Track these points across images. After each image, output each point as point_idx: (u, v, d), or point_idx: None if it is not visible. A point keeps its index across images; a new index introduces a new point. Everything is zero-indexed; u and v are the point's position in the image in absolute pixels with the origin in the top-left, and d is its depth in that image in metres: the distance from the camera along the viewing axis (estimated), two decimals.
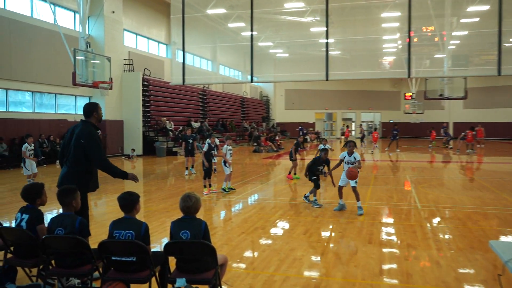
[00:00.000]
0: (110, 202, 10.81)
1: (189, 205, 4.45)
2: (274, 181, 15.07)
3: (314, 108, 50.26)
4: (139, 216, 8.73)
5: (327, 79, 17.50)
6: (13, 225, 5.36)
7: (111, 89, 17.39)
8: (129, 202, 4.54)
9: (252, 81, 18.54)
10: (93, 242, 5.38)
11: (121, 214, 4.58)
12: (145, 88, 26.49)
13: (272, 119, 50.04)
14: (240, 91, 43.25)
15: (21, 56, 19.26)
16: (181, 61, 19.74)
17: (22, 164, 12.43)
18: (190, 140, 16.42)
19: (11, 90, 19.50)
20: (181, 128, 27.69)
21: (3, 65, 18.59)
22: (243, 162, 21.50)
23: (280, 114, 50.59)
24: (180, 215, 4.55)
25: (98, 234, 7.14)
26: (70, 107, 23.43)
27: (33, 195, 4.92)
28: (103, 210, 10.12)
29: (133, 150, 24.19)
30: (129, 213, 4.54)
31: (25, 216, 4.82)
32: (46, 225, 4.76)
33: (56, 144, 20.28)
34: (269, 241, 7.27)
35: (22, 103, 20.88)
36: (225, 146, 11.58)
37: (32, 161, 12.29)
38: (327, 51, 16.62)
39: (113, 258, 4.33)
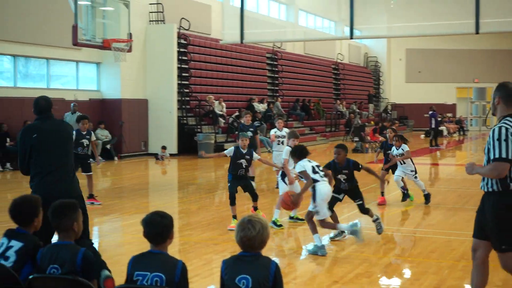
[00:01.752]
0: (128, 227, 11.18)
1: (252, 235, 4.47)
2: (387, 199, 14.88)
3: (454, 80, 49.00)
4: (172, 251, 8.99)
5: (477, 32, 16.96)
6: None
7: (130, 51, 17.94)
8: (160, 228, 4.62)
9: (352, 36, 18.42)
10: None
11: (145, 247, 4.70)
12: (182, 50, 27.11)
13: (385, 98, 49.36)
14: (333, 53, 43.05)
15: None
16: (238, 5, 19.90)
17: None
18: (250, 133, 16.45)
19: None
20: (237, 113, 28.04)
21: None
22: None
23: (398, 90, 49.83)
24: (236, 249, 4.61)
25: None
26: (69, 78, 24.48)
27: (29, 214, 5.19)
28: (117, 239, 10.48)
29: (164, 148, 24.81)
30: (158, 245, 4.65)
31: (15, 244, 5.06)
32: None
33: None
34: None
35: None
36: (287, 147, 11.25)
37: None
38: None
39: None
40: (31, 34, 21.61)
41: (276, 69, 34.81)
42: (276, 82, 34.65)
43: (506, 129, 5.58)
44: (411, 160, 13.46)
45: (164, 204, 13.81)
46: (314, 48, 40.29)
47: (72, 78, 24.47)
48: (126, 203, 13.81)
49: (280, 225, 10.80)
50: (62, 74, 24.35)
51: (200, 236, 10.23)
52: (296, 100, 35.30)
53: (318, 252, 8.92)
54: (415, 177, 13.31)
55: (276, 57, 34.89)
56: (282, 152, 11.50)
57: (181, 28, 27.10)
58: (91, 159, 13.71)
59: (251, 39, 20.09)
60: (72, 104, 20.83)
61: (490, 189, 5.71)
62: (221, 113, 27.74)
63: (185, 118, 26.59)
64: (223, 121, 27.73)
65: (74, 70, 24.40)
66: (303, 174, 9.15)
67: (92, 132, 13.43)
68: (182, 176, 19.75)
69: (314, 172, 9.10)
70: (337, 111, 39.24)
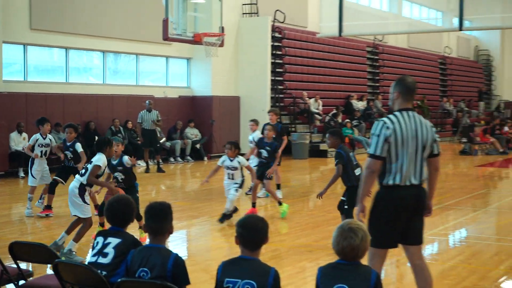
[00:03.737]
0: (217, 231, 11.34)
1: (355, 244, 4.44)
2: (498, 206, 14.53)
3: None
4: (264, 257, 9.07)
5: None
6: (88, 255, 5.88)
7: (221, 45, 18.16)
8: (258, 232, 4.67)
9: (461, 28, 18.01)
10: None
11: (235, 252, 4.76)
12: (276, 44, 27.27)
13: (497, 95, 48.02)
14: (440, 47, 42.26)
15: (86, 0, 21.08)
16: None
17: (30, 170, 12.63)
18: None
19: (73, 50, 21.54)
20: (334, 111, 27.97)
21: (61, 14, 20.50)
22: (441, 172, 20.94)
23: None
24: (332, 257, 4.61)
25: (199, 282, 7.53)
26: (159, 75, 25.07)
27: (126, 215, 5.40)
28: (206, 244, 10.66)
29: None
30: (252, 251, 4.68)
31: (113, 240, 5.22)
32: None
33: (135, 135, 21.66)
34: None
35: (88, 70, 22.89)
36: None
37: (42, 163, 12.63)
38: None
39: None
40: (121, 29, 22.27)
41: (377, 64, 34.49)
42: (377, 78, 34.33)
43: (384, 123, 5.88)
44: None
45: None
46: (419, 41, 39.63)
47: (162, 75, 25.04)
48: (216, 205, 13.97)
49: None
50: (152, 70, 24.95)
51: (294, 242, 10.28)
52: None
53: None
54: None
55: (377, 51, 34.57)
56: None
57: (276, 21, 27.23)
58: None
59: (350, 31, 20.00)
60: (147, 102, 20.69)
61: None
62: (317, 111, 27.73)
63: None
64: (320, 119, 27.69)
65: (164, 66, 24.97)
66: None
67: (78, 142, 12.32)
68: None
69: None
70: (443, 109, 38.52)
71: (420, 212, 6.11)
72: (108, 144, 9.28)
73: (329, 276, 4.47)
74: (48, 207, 12.34)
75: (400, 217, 5.98)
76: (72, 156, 12.20)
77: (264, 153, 12.90)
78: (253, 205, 12.11)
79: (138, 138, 20.73)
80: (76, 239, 8.87)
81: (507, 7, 20.07)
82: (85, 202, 8.94)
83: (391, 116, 5.94)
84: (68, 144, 12.20)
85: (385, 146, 5.89)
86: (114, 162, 9.92)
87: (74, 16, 20.66)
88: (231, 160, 11.47)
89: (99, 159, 9.06)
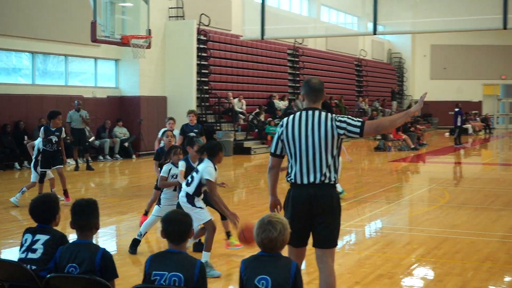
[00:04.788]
0: None
1: (273, 236, 4.48)
2: (410, 199, 14.86)
3: (481, 77, 48.65)
4: (190, 250, 9.02)
5: (505, 28, 16.83)
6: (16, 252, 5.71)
7: (149, 47, 18.03)
8: (182, 227, 4.66)
9: (375, 32, 18.34)
10: None
11: (162, 246, 4.74)
12: (201, 46, 27.20)
13: (408, 95, 49.18)
14: (356, 50, 42.95)
15: (15, 0, 20.55)
16: (259, 1, 19.92)
17: (32, 166, 13.28)
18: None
19: (1, 51, 20.95)
20: (257, 110, 28.11)
21: None
22: (357, 167, 21.39)
23: (423, 87, 49.48)
24: (256, 249, 4.63)
25: (128, 276, 7.46)
26: (87, 76, 24.66)
27: (51, 212, 5.23)
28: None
29: None
30: (178, 244, 4.67)
31: (41, 237, 5.10)
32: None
33: (66, 135, 21.28)
34: None
35: (18, 71, 22.29)
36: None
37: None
38: None
39: None
40: (50, 30, 21.81)
41: (297, 65, 34.81)
42: (297, 79, 34.64)
43: (280, 123, 5.83)
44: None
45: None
46: (336, 44, 40.21)
47: (91, 75, 24.64)
48: (143, 201, 13.81)
49: None
50: (81, 71, 24.52)
51: (220, 235, 10.25)
52: None
53: None
54: None
55: (297, 53, 34.88)
56: None
57: (201, 24, 27.18)
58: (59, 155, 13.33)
59: (272, 35, 20.09)
60: (76, 102, 20.79)
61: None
62: (240, 110, 27.81)
63: (204, 116, 26.66)
64: (243, 118, 27.78)
65: (92, 67, 24.58)
66: None
67: (63, 129, 13.33)
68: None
69: None
70: (359, 108, 39.18)
71: (322, 213, 5.59)
72: (220, 150, 8.24)
73: (252, 268, 4.49)
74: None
75: (299, 216, 5.60)
76: (57, 139, 12.98)
77: None
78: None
79: (68, 137, 20.37)
80: (207, 248, 8.09)
81: (417, 13, 20.54)
82: (197, 207, 8.06)
83: (291, 116, 5.81)
84: (54, 129, 13.00)
85: (279, 144, 5.78)
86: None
87: (3, 18, 20.07)
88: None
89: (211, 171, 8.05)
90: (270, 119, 28.16)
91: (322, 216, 5.58)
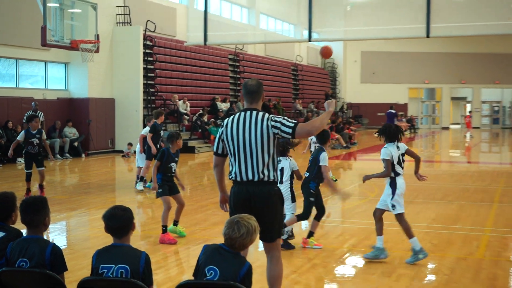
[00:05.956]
0: (94, 222, 11.09)
1: (233, 236, 4.47)
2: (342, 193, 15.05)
3: (406, 81, 49.66)
4: (137, 244, 8.95)
5: (427, 36, 17.21)
6: None
7: (97, 51, 17.80)
8: (122, 221, 4.63)
9: (310, 39, 18.52)
10: (70, 280, 5.54)
11: (110, 240, 4.69)
12: (148, 51, 26.96)
13: (341, 98, 49.78)
14: (292, 55, 43.22)
15: None
16: (202, 9, 19.92)
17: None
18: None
19: None
20: (200, 112, 28.03)
21: None
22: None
23: (353, 90, 50.33)
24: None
25: (77, 269, 7.36)
26: (38, 78, 24.15)
27: (7, 209, 5.12)
28: (84, 234, 10.39)
29: (130, 144, 24.64)
30: (121, 238, 4.65)
31: None
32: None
33: (16, 134, 20.83)
34: (334, 286, 7.25)
35: None
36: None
37: None
38: None
39: None
40: (0, 34, 21.28)
41: (238, 70, 34.83)
42: (238, 82, 34.65)
43: (222, 125, 5.79)
44: None
45: (130, 199, 13.73)
46: (274, 50, 40.39)
47: (41, 78, 24.15)
48: (92, 198, 13.71)
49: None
50: (31, 74, 24.02)
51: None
52: None
53: (380, 255, 8.10)
54: None
55: (238, 58, 34.91)
56: None
57: (147, 30, 26.95)
58: (43, 155, 13.49)
59: (214, 41, 20.08)
60: (33, 103, 20.66)
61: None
62: (185, 111, 27.69)
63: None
64: (187, 119, 27.69)
65: (42, 70, 24.08)
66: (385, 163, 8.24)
67: (42, 130, 13.26)
68: (148, 172, 19.62)
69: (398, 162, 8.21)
70: (295, 110, 39.45)
71: (261, 210, 5.53)
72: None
73: (208, 255, 4.51)
74: (29, 191, 13.16)
75: (239, 212, 5.31)
76: (38, 142, 12.93)
77: None
78: None
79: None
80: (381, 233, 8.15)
81: (349, 22, 20.83)
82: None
83: (230, 116, 5.78)
84: (34, 132, 12.87)
85: (220, 144, 5.77)
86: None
87: None
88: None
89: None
90: (213, 120, 28.16)
91: (262, 212, 5.49)
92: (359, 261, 8.31)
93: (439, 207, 12.39)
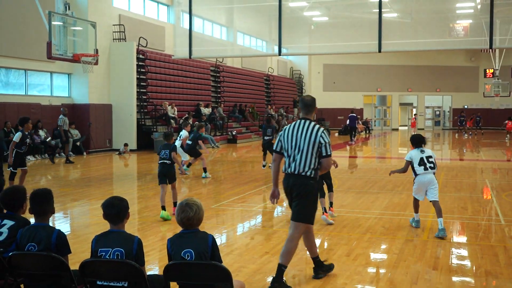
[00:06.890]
0: (95, 211, 10.98)
1: (190, 215, 4.53)
2: None
3: (362, 89, 49.98)
4: (132, 229, 8.89)
5: (379, 51, 17.35)
6: None
7: (96, 63, 17.62)
8: (118, 210, 4.61)
9: (280, 53, 18.53)
10: (74, 262, 5.48)
11: (108, 227, 4.66)
12: (140, 63, 26.77)
13: None
14: (265, 67, 43.25)
15: None
16: (187, 27, 19.83)
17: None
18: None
19: None
20: (186, 115, 27.91)
21: None
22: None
23: (317, 97, 49.53)
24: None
25: (79, 252, 7.27)
26: (44, 87, 23.85)
27: (19, 201, 5.09)
28: (85, 221, 10.30)
29: (126, 145, 24.44)
30: (117, 225, 4.63)
31: (8, 222, 4.96)
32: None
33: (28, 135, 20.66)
34: (302, 265, 7.30)
35: None
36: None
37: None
38: (380, 13, 16.47)
39: (98, 282, 4.41)
40: (11, 48, 21.07)
41: (219, 79, 34.74)
42: (219, 90, 34.59)
43: (283, 130, 6.32)
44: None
45: (126, 191, 13.64)
46: (249, 63, 40.39)
47: (47, 87, 23.86)
48: (93, 190, 13.59)
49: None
50: (39, 83, 23.70)
51: (156, 217, 10.14)
52: (235, 105, 35.34)
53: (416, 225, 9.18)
54: None
55: (218, 70, 34.82)
56: None
57: (140, 45, 26.78)
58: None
59: (198, 55, 19.93)
60: (62, 109, 20.96)
61: None
62: (173, 115, 27.55)
63: (143, 120, 26.33)
64: (175, 122, 27.56)
65: (48, 79, 23.79)
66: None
67: (31, 133, 13.06)
68: (140, 168, 19.50)
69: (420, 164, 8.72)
70: (268, 114, 39.42)
71: (297, 195, 6.08)
72: None
73: (177, 244, 4.53)
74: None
75: (287, 197, 6.26)
76: (30, 142, 12.90)
77: None
78: None
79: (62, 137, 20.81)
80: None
81: (313, 39, 20.90)
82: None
83: (289, 124, 6.26)
84: (27, 133, 12.45)
85: (279, 143, 6.25)
86: None
87: None
88: None
89: None
90: (197, 122, 28.04)
91: (296, 198, 6.10)
92: (323, 243, 8.32)
93: (390, 196, 12.48)
